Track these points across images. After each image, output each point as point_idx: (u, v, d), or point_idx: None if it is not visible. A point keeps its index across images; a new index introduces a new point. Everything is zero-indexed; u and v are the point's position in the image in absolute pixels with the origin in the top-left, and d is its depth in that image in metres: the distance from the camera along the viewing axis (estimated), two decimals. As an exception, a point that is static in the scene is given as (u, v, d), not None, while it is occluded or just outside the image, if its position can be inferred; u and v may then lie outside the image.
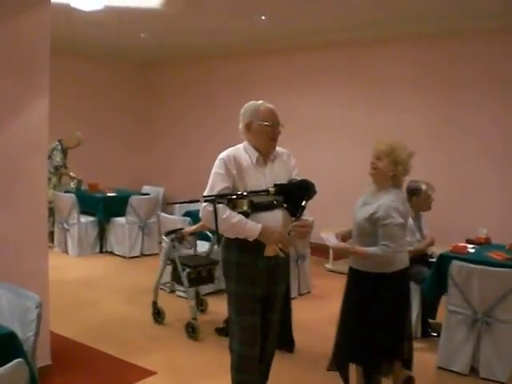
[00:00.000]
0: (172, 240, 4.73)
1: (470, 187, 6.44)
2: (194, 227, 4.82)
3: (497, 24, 6.06)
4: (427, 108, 6.83)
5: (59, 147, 7.69)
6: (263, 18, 6.55)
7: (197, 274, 4.68)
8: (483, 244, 4.68)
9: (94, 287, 5.87)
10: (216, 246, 4.90)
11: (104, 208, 7.39)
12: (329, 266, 6.87)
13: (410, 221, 4.62)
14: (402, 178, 3.17)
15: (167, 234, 4.85)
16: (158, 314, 4.82)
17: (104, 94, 9.58)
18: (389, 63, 7.12)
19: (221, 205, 2.72)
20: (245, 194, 2.73)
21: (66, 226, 7.37)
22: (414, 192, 4.64)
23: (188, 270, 4.62)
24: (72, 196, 7.33)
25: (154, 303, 4.85)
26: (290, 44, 7.80)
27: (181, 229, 4.86)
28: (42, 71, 3.54)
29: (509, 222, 5.90)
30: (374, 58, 7.25)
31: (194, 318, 4.49)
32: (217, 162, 2.87)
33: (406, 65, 6.97)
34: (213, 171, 2.88)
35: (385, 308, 3.10)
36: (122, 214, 7.30)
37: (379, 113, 7.20)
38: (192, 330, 4.47)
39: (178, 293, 5.47)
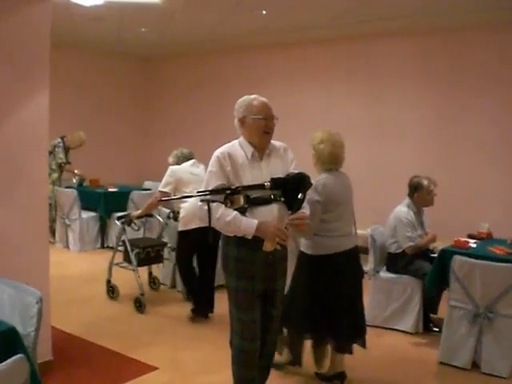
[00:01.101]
0: (122, 223, 5.12)
1: (471, 182, 6.42)
2: (139, 211, 5.14)
3: (500, 18, 6.02)
4: (429, 103, 6.79)
5: (61, 144, 7.56)
6: (264, 12, 6.52)
7: (145, 254, 5.11)
8: (485, 239, 4.67)
9: (96, 282, 5.85)
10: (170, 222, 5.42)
11: (105, 203, 7.40)
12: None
13: (412, 216, 4.63)
14: (321, 162, 3.53)
15: (118, 218, 5.25)
16: (112, 291, 5.29)
17: (105, 89, 9.55)
18: (390, 58, 7.08)
19: (215, 203, 2.72)
20: (239, 188, 2.73)
21: (67, 221, 7.37)
22: (416, 187, 4.63)
23: (136, 250, 5.04)
24: (73, 191, 7.33)
25: (108, 281, 5.29)
26: (291, 39, 7.76)
27: (129, 213, 5.32)
28: (43, 66, 3.53)
29: (511, 216, 5.88)
30: (375, 52, 7.21)
31: (142, 294, 4.94)
32: (212, 159, 2.87)
33: (407, 60, 6.93)
34: (208, 169, 2.88)
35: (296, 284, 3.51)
36: (124, 210, 7.26)
37: (379, 108, 7.17)
38: (139, 305, 4.93)
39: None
